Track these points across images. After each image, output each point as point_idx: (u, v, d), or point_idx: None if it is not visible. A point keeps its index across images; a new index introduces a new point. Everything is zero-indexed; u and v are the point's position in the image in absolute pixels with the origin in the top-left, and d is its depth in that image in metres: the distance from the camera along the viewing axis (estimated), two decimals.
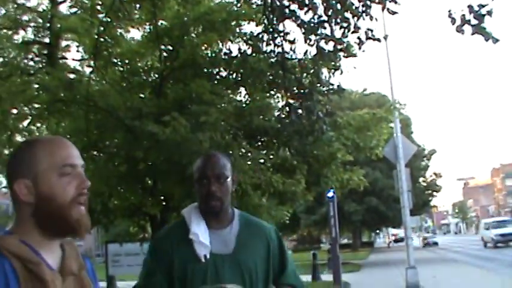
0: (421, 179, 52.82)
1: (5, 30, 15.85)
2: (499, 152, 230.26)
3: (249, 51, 12.47)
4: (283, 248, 3.08)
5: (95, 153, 13.41)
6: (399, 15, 8.10)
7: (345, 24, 8.99)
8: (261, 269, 2.90)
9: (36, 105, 13.32)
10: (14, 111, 14.13)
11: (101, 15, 12.67)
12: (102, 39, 12.47)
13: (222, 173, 2.90)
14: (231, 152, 10.97)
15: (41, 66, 15.33)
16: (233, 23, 13.19)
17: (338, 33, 9.29)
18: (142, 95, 13.38)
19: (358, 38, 9.19)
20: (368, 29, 9.19)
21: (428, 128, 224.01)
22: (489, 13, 6.36)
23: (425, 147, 54.40)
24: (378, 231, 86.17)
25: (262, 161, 12.98)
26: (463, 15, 6.50)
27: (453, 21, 6.57)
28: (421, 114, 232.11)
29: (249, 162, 12.12)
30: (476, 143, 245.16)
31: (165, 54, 13.45)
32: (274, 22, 10.36)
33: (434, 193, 57.60)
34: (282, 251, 3.06)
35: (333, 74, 11.61)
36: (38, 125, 14.28)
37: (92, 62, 13.77)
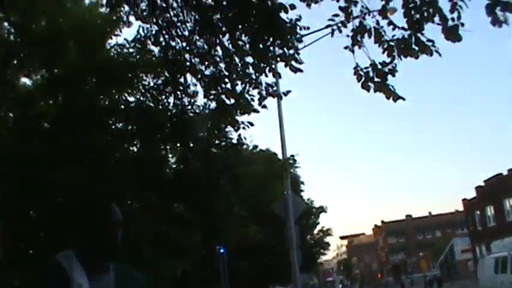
0: (308, 236, 53.60)
1: None
2: (381, 210, 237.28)
3: (147, 103, 12.39)
4: None
5: None
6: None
7: (246, 80, 9.06)
8: None
9: None
10: None
11: None
12: None
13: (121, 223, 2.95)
14: (129, 202, 10.74)
15: None
16: (131, 74, 13.05)
17: (239, 88, 9.36)
18: (36, 142, 12.90)
19: (259, 93, 9.29)
20: (269, 85, 9.32)
21: (318, 185, 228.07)
22: (391, 72, 6.61)
23: (315, 204, 55.44)
24: None
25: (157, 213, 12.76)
26: (367, 72, 6.73)
27: (359, 77, 6.77)
28: (312, 170, 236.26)
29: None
30: (362, 201, 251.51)
31: (60, 102, 13.11)
32: (175, 75, 10.33)
33: (322, 250, 58.54)
34: None
35: (233, 129, 11.67)
36: None
37: None
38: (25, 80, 14.19)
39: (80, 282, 2.70)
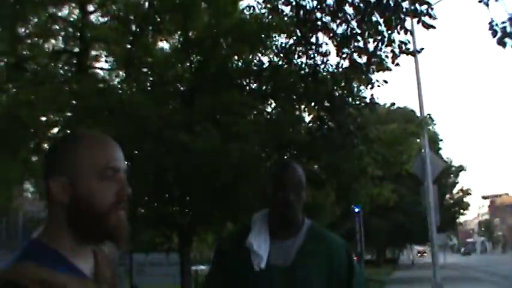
0: (447, 196, 52.28)
1: (36, 39, 15.83)
2: None
3: (280, 63, 12.43)
4: (352, 268, 2.83)
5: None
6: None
7: (378, 37, 8.84)
8: (318, 287, 2.70)
9: (67, 114, 13.32)
10: (43, 118, 14.18)
11: (132, 25, 12.67)
12: (133, 49, 12.44)
13: (300, 182, 2.78)
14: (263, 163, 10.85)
15: (70, 75, 15.25)
16: (264, 35, 13.08)
17: (371, 46, 9.16)
18: (172, 105, 13.32)
19: (392, 51, 9.05)
20: (402, 42, 9.05)
21: (457, 144, 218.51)
22: None
23: (454, 163, 53.83)
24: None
25: None
26: (504, 27, 6.34)
27: (494, 33, 6.39)
28: (450, 128, 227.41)
29: None
30: (507, 159, 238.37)
31: (195, 64, 13.44)
32: (307, 34, 10.27)
33: (462, 210, 57.03)
34: (350, 271, 2.81)
35: (366, 87, 11.48)
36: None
37: (121, 72, 13.76)
38: (162, 45, 14.67)
39: (251, 241, 2.69)
